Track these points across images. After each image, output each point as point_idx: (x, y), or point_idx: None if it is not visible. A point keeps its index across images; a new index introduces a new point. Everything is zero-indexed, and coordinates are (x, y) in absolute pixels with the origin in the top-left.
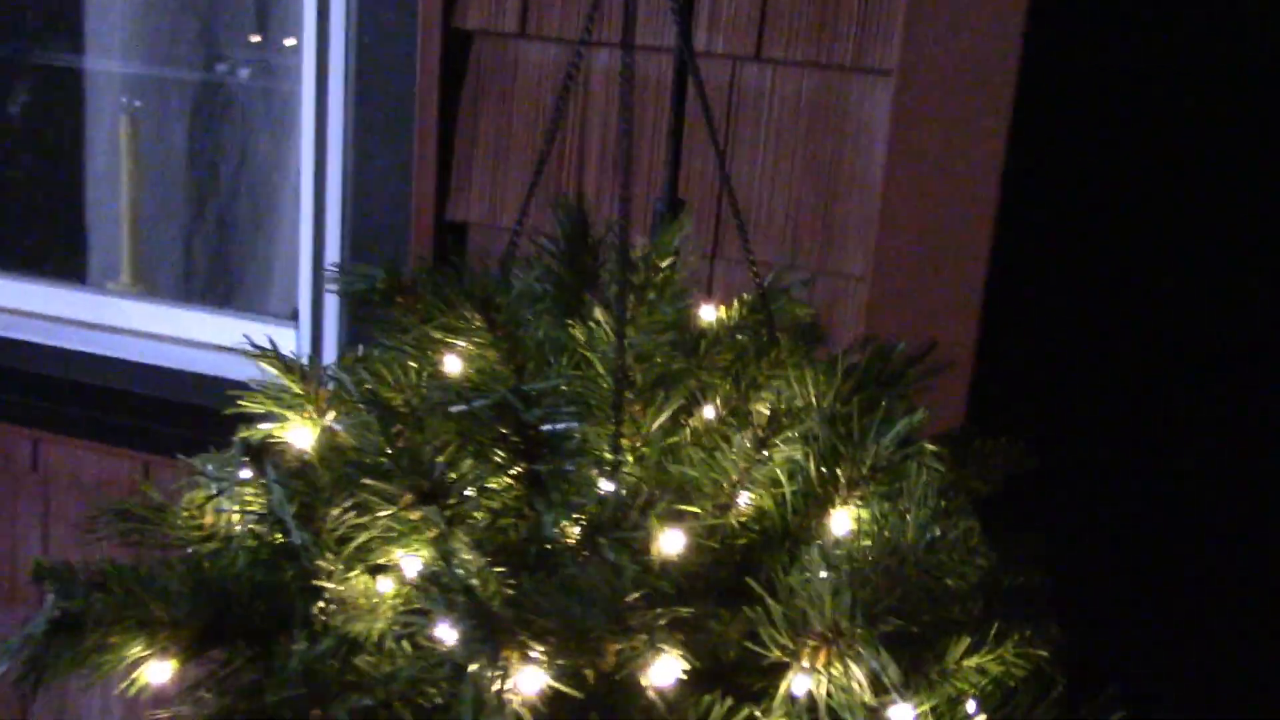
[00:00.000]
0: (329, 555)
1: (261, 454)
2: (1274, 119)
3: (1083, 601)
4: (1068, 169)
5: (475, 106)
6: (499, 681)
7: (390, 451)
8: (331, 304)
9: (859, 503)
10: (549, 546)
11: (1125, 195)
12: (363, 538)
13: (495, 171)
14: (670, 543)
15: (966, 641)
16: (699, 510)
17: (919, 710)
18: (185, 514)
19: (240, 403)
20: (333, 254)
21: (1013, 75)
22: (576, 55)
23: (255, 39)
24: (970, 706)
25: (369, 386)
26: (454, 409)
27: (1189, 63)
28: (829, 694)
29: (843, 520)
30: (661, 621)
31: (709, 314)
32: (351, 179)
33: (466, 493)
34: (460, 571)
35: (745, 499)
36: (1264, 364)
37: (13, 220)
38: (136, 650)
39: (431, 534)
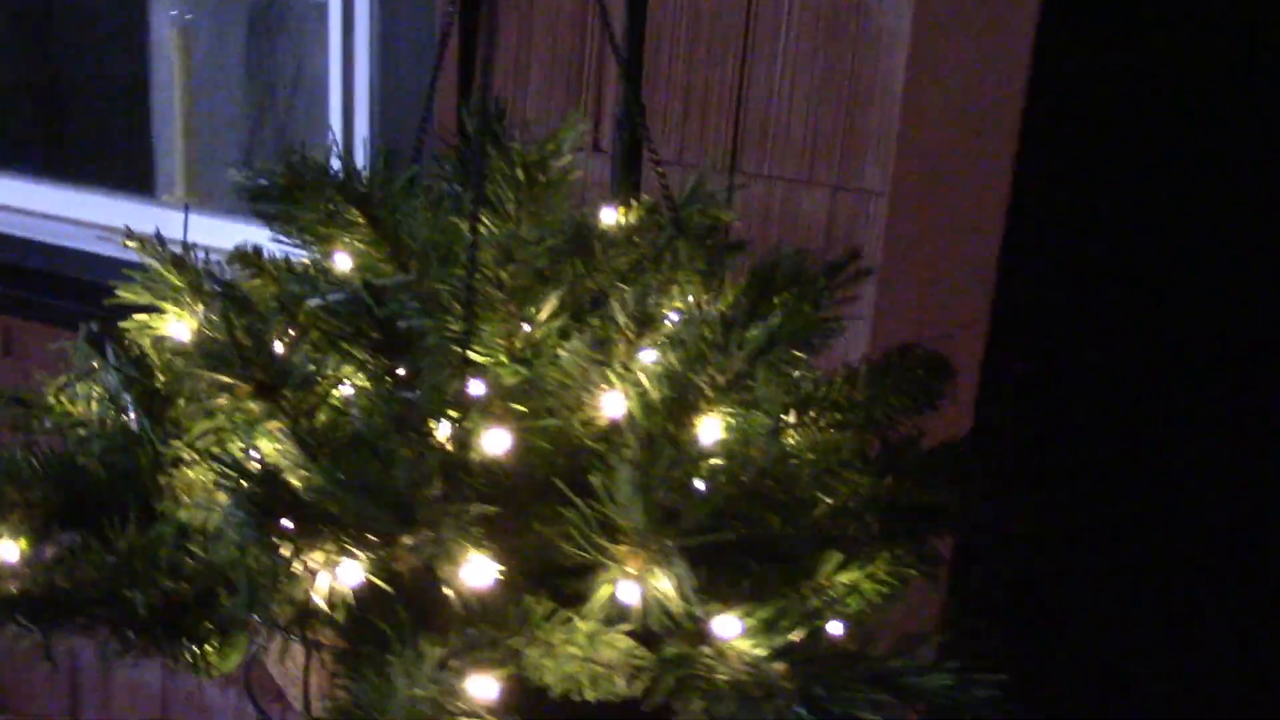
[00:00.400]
0: (173, 443)
1: (105, 340)
2: None
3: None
4: (1100, 77)
5: (495, 12)
6: (289, 571)
7: (232, 341)
8: None
9: (722, 413)
10: (366, 440)
11: (1163, 105)
12: (199, 427)
13: (515, 78)
14: (494, 442)
15: (838, 558)
16: (525, 409)
17: (748, 622)
18: (51, 399)
19: (119, 292)
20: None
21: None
22: None
23: None
24: (835, 627)
25: (226, 278)
26: (312, 302)
27: None
28: (647, 602)
29: (713, 429)
30: (460, 518)
31: (610, 217)
32: (378, 90)
33: (318, 392)
34: (279, 460)
35: (611, 403)
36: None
37: (75, 129)
38: None
39: (272, 426)
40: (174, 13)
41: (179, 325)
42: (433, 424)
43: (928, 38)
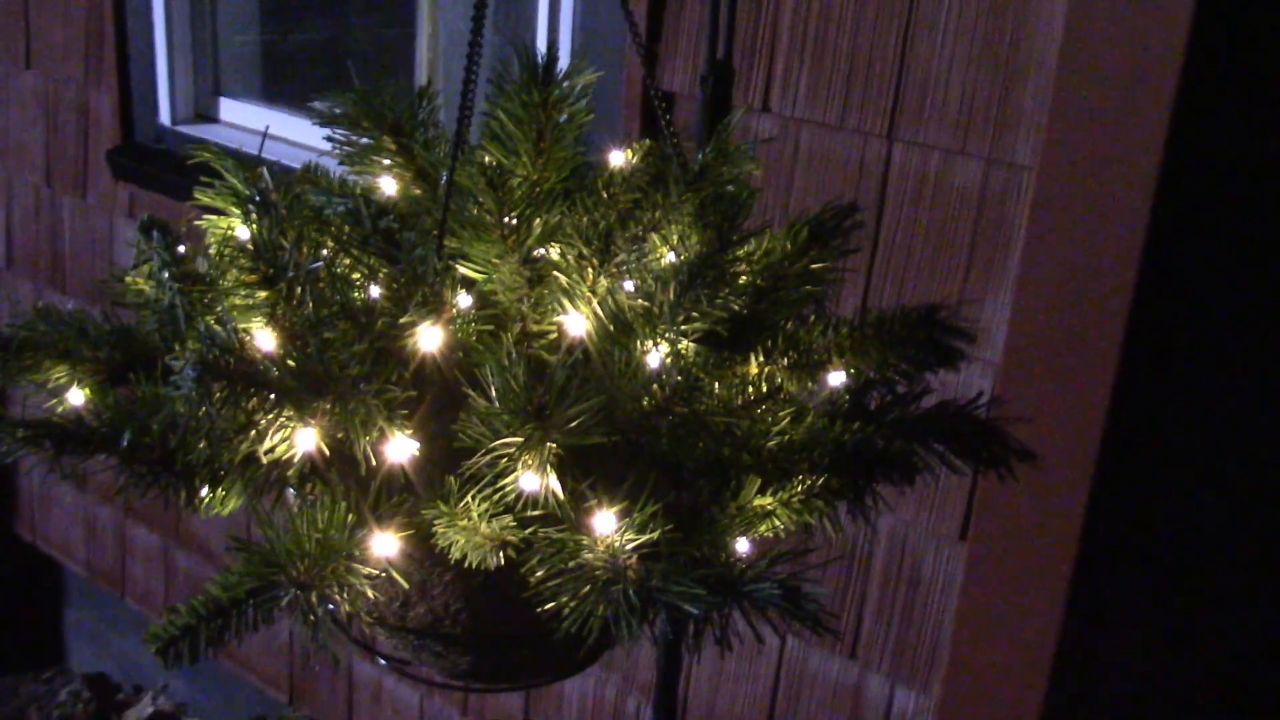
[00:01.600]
0: (196, 320)
1: (155, 230)
2: None
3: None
4: (1263, 57)
5: None
6: (242, 430)
7: (256, 239)
8: None
9: (668, 340)
10: (316, 324)
11: None
12: (219, 308)
13: (696, 45)
14: (427, 338)
15: (757, 482)
16: (454, 313)
17: (624, 521)
18: (128, 279)
19: (198, 195)
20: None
21: None
22: None
23: None
24: (742, 544)
25: (267, 188)
26: (325, 211)
27: None
28: (538, 493)
29: (655, 357)
30: (362, 394)
31: (619, 158)
32: (577, 53)
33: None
34: (258, 340)
35: (577, 320)
36: None
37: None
38: (58, 375)
39: (267, 310)
40: None
41: (242, 227)
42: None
43: (1083, 11)
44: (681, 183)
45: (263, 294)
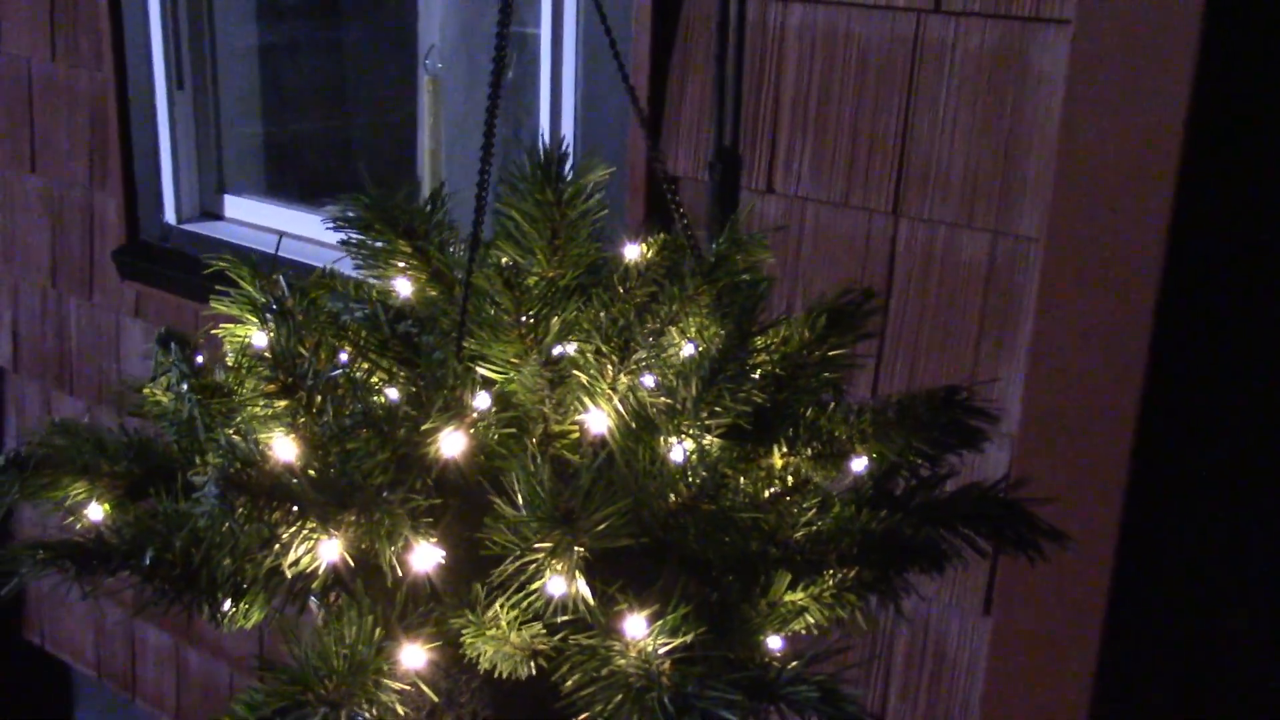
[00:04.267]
0: (214, 431)
1: (173, 343)
2: None
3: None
4: (1263, 120)
5: (684, 70)
6: (265, 544)
7: (274, 348)
8: None
9: (691, 436)
10: (341, 434)
11: None
12: (240, 419)
13: (698, 129)
14: (450, 444)
15: (787, 578)
16: (476, 417)
17: (656, 624)
18: (146, 391)
19: (214, 304)
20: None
21: (1196, 19)
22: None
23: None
24: (774, 642)
25: (284, 296)
26: (342, 317)
27: None
28: (567, 599)
29: (679, 452)
30: (389, 504)
31: (632, 252)
32: (580, 141)
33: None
34: (252, 448)
35: (599, 420)
36: None
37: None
38: (77, 492)
39: (289, 419)
40: (428, 61)
41: (260, 334)
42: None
43: (1084, 83)
44: (698, 274)
45: (282, 403)
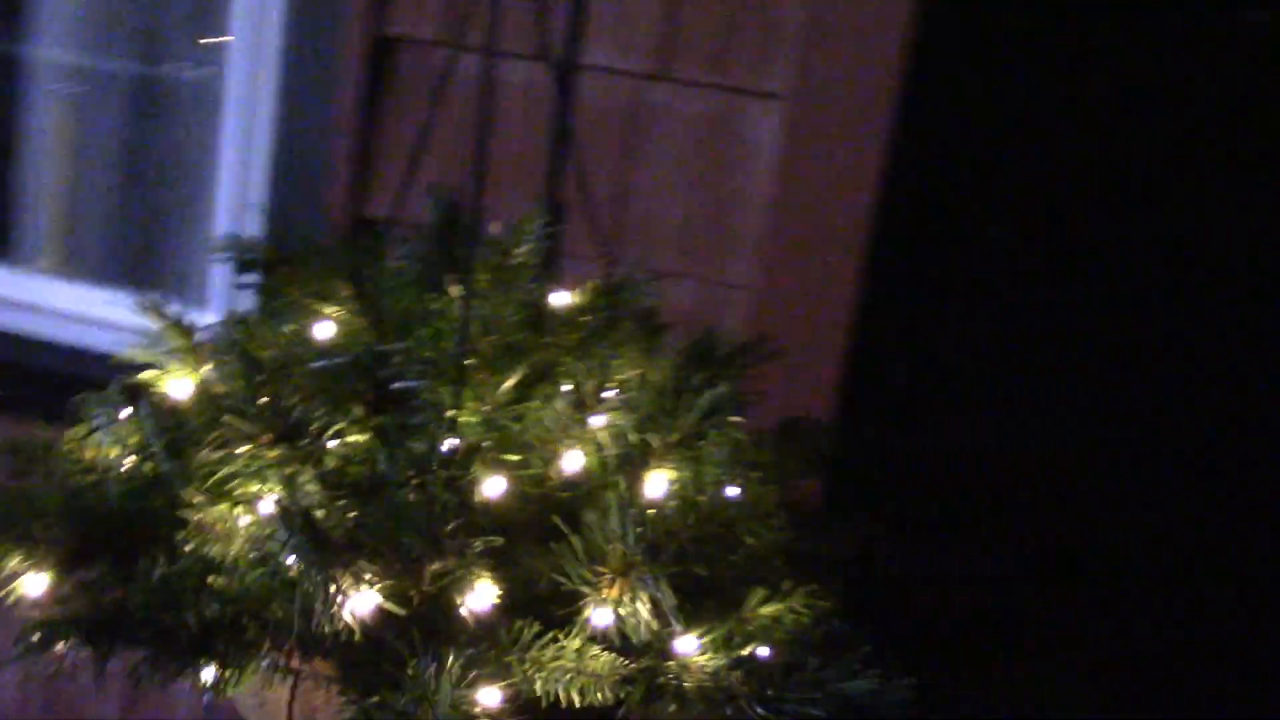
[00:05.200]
0: (194, 485)
1: (138, 394)
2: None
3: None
4: (943, 190)
5: (397, 110)
6: (330, 597)
7: (253, 396)
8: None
9: (672, 466)
10: (389, 483)
11: (999, 213)
12: (225, 471)
13: (409, 173)
14: (492, 487)
15: (762, 593)
16: (518, 458)
17: (703, 640)
18: (67, 448)
19: (129, 351)
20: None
21: (893, 98)
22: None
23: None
24: (763, 650)
25: (238, 340)
26: (316, 365)
27: (1075, 95)
28: (621, 622)
29: (659, 482)
30: (474, 549)
31: (562, 298)
32: (275, 174)
33: (326, 441)
34: (303, 501)
35: (575, 457)
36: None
37: None
38: (15, 562)
39: (287, 471)
40: (60, 86)
41: (181, 382)
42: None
43: (791, 152)
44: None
45: (273, 453)
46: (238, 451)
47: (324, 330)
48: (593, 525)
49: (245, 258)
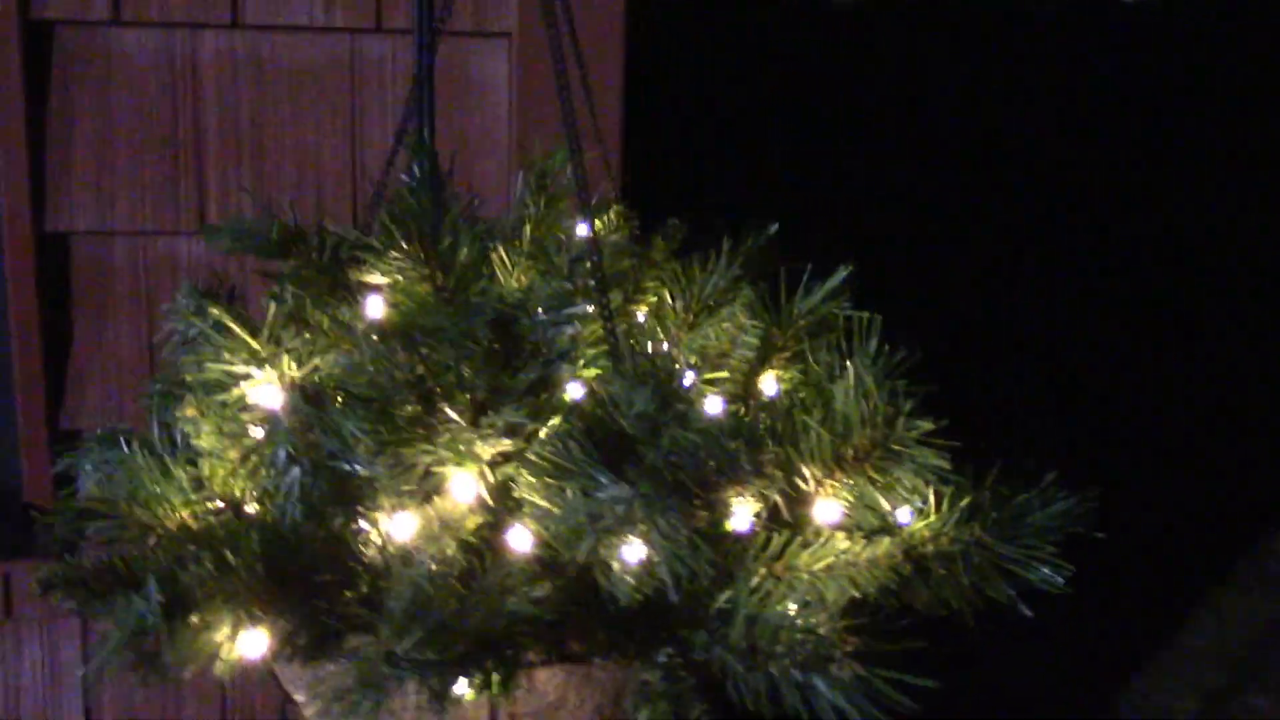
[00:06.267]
0: (385, 485)
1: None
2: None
3: None
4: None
5: (67, 104)
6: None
7: (430, 371)
8: None
9: (784, 365)
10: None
11: (746, 144)
12: (428, 459)
13: (99, 174)
14: (712, 405)
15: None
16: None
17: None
18: (227, 474)
19: (208, 365)
20: None
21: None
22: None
23: None
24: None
25: (344, 321)
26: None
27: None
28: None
29: (770, 384)
30: (767, 466)
31: (583, 230)
32: None
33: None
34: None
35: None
36: None
37: None
38: (227, 627)
39: (501, 445)
40: None
41: (268, 389)
42: None
43: (526, 93)
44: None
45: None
46: (441, 429)
47: (375, 308)
48: (834, 413)
49: (251, 242)
